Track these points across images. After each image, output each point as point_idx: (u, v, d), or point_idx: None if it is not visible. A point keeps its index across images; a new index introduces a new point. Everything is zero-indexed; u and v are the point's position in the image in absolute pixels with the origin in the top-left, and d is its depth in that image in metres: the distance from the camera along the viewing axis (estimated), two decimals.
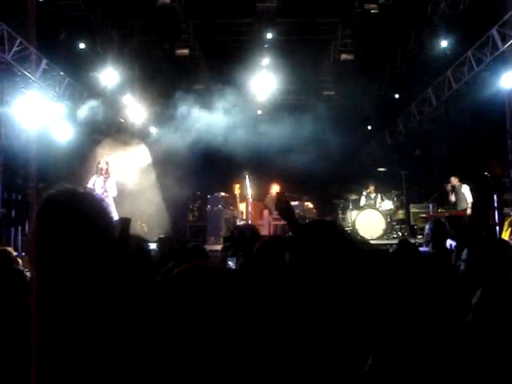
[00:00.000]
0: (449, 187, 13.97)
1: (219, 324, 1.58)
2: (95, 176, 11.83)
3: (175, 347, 1.57)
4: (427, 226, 5.60)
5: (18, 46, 10.72)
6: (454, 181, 13.80)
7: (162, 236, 6.47)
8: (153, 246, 5.81)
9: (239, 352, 1.58)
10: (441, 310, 2.78)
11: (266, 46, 15.90)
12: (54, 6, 12.28)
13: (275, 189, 14.29)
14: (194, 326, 1.57)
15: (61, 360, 1.52)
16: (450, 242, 5.47)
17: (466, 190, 13.59)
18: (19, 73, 11.12)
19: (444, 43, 14.01)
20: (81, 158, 13.43)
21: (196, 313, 1.58)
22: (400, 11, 13.72)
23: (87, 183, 11.63)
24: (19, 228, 12.18)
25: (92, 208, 1.71)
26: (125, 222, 3.04)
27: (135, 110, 17.10)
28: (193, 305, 1.59)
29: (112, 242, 1.76)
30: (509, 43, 11.21)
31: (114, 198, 11.79)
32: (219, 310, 1.59)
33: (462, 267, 3.03)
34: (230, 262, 4.90)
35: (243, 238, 5.02)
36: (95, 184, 11.68)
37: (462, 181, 13.79)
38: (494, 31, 11.48)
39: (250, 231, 5.27)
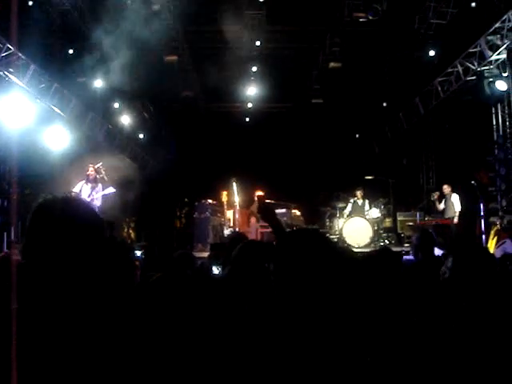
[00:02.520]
0: (435, 196, 13.98)
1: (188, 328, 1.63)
2: (83, 182, 11.71)
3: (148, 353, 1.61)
4: (414, 236, 5.63)
5: (5, 52, 10.67)
6: (447, 189, 13.77)
7: (143, 243, 6.47)
8: (138, 252, 5.79)
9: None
10: (424, 317, 2.77)
11: (255, 53, 15.92)
12: (43, 12, 12.25)
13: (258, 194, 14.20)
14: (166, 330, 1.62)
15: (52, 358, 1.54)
16: (437, 251, 5.49)
17: (455, 198, 13.56)
18: (6, 78, 11.05)
19: (432, 52, 14.10)
20: (68, 164, 13.33)
21: (166, 319, 1.63)
22: (388, 20, 13.80)
23: (73, 188, 11.49)
24: (5, 234, 12.05)
25: (84, 214, 1.75)
26: (108, 225, 3.07)
27: (124, 116, 17.06)
28: (163, 311, 1.64)
29: (103, 245, 1.81)
30: (496, 53, 11.30)
31: (99, 207, 11.59)
32: (188, 316, 1.64)
33: (447, 275, 3.05)
34: (214, 269, 4.88)
35: (233, 246, 4.99)
36: (82, 190, 11.54)
37: (453, 190, 13.78)
38: (481, 41, 11.56)
39: (240, 239, 5.23)
